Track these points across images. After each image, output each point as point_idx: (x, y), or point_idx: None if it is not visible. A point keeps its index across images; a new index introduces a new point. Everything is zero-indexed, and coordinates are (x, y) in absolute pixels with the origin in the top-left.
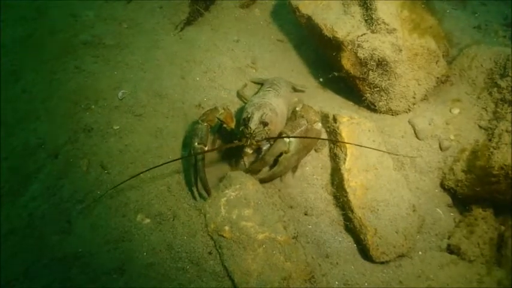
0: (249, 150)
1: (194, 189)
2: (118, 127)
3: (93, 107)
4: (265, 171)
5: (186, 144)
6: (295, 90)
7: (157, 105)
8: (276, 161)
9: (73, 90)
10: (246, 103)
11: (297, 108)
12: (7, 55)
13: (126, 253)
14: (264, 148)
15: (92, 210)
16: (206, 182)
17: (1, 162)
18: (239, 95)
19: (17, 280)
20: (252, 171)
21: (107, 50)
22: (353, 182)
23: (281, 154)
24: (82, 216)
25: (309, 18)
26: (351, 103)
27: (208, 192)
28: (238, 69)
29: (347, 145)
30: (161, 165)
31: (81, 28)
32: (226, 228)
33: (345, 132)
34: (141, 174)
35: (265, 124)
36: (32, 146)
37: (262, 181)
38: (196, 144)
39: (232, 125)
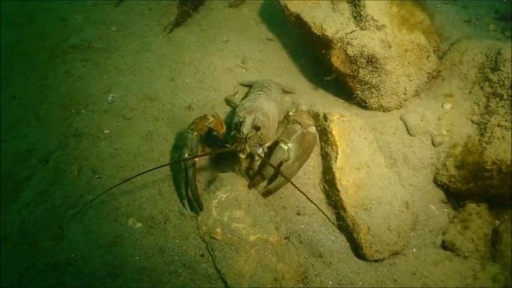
0: (242, 155)
1: (185, 202)
2: (108, 131)
3: (83, 111)
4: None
5: (177, 147)
6: (284, 91)
7: (147, 108)
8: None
9: (63, 95)
10: (236, 107)
11: (290, 113)
12: None
13: (118, 257)
14: (258, 152)
15: (84, 216)
16: (198, 195)
17: None
18: (228, 101)
19: (12, 286)
20: (254, 185)
21: (96, 54)
22: (345, 180)
23: (281, 163)
24: (74, 221)
25: (298, 17)
26: (342, 101)
27: (201, 207)
28: (228, 69)
29: (338, 143)
30: (153, 169)
31: (71, 32)
32: (218, 230)
33: (336, 130)
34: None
35: (257, 128)
36: (23, 152)
37: (267, 194)
38: (186, 155)
39: (223, 131)
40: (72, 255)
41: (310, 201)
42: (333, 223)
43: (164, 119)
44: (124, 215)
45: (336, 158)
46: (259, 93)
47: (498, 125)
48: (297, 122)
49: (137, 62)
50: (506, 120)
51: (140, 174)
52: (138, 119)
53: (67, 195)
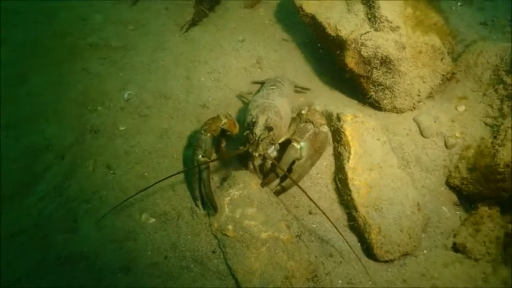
0: (255, 155)
1: (198, 203)
2: (124, 128)
3: (99, 108)
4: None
5: (190, 144)
6: (296, 88)
7: (162, 105)
8: (290, 170)
9: (80, 92)
10: (248, 103)
11: (303, 112)
12: (17, 58)
13: (130, 252)
14: (269, 151)
15: (98, 211)
16: (212, 198)
17: (9, 164)
18: (240, 96)
19: (24, 278)
20: (267, 183)
21: (113, 52)
22: (357, 180)
23: (293, 162)
24: (88, 216)
25: (313, 17)
26: (356, 101)
27: (215, 209)
28: (243, 69)
29: (351, 144)
30: (170, 176)
31: (89, 31)
32: (230, 227)
33: (349, 130)
34: (146, 174)
35: (270, 129)
36: (39, 147)
37: (280, 192)
38: (200, 157)
39: (236, 130)
40: (85, 249)
41: (315, 204)
42: (336, 228)
43: (179, 117)
44: (137, 210)
45: (349, 158)
46: (273, 89)
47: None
48: (310, 121)
49: (153, 60)
50: None
51: (160, 181)
52: (153, 116)
53: (82, 189)
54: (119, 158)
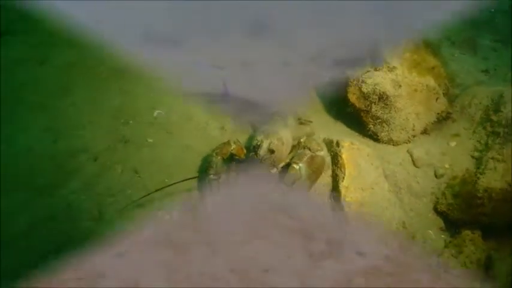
0: None
1: None
2: (152, 140)
3: (131, 122)
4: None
5: (205, 163)
6: (299, 121)
7: (186, 125)
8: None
9: (115, 108)
10: (255, 131)
11: (302, 140)
12: (60, 74)
13: None
14: (272, 171)
15: (122, 204)
16: None
17: (46, 161)
18: (252, 125)
19: (49, 254)
20: None
21: (147, 76)
22: (349, 197)
23: (294, 182)
24: (112, 207)
25: None
26: (357, 133)
27: None
28: None
29: (346, 166)
30: (182, 181)
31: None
32: None
33: (346, 155)
34: (167, 180)
35: (272, 152)
36: (75, 150)
37: None
38: (212, 176)
39: (243, 155)
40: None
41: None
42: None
43: (200, 136)
44: (156, 208)
45: (343, 178)
46: (277, 119)
47: (492, 158)
48: (307, 147)
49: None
50: (499, 154)
51: (175, 183)
52: (178, 133)
53: (110, 187)
54: (145, 164)
